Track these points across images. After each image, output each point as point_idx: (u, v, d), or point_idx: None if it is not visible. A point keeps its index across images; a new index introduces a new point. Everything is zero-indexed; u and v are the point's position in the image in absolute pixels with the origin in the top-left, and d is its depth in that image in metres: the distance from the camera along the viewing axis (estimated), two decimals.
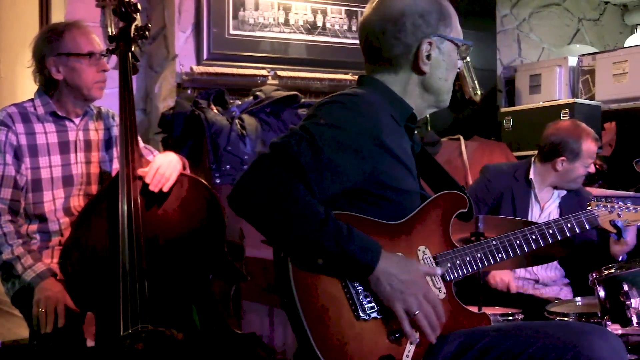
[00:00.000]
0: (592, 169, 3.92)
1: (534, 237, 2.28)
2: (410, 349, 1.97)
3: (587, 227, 2.51)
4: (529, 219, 3.76)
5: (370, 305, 1.95)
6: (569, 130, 3.85)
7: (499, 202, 3.83)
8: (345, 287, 1.95)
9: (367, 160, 2.01)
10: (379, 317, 1.95)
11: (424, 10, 2.15)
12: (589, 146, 3.80)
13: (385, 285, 1.93)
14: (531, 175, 3.87)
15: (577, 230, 2.43)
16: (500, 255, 2.21)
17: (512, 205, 3.80)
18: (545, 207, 3.87)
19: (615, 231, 2.71)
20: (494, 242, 2.22)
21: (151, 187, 2.87)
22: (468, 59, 2.24)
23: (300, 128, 1.99)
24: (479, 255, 2.18)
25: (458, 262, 2.13)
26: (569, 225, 2.40)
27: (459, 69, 2.25)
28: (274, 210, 1.88)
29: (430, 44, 2.15)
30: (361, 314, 1.93)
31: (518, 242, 2.25)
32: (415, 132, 2.28)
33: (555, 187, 3.89)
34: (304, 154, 1.92)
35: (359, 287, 1.95)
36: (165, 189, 2.90)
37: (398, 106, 2.17)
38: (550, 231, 2.33)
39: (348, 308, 1.93)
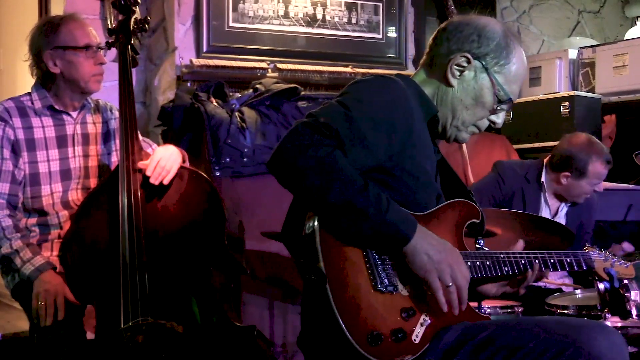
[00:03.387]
0: (600, 188, 3.87)
1: (536, 261, 2.31)
2: (419, 331, 1.99)
3: (584, 266, 2.56)
4: None
5: (388, 279, 1.98)
6: (582, 147, 3.81)
7: (510, 201, 3.81)
8: (366, 256, 1.97)
9: (396, 141, 2.04)
10: (394, 292, 1.98)
11: (487, 35, 2.18)
12: (596, 168, 3.75)
13: (422, 256, 1.95)
14: (543, 178, 3.85)
15: (575, 267, 2.48)
16: (506, 269, 2.23)
17: (522, 207, 3.78)
18: (557, 214, 3.86)
19: (607, 279, 2.74)
20: (502, 255, 2.24)
21: (152, 180, 2.87)
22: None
23: (336, 101, 2.02)
24: (487, 263, 2.19)
25: (469, 263, 2.13)
26: (568, 260, 2.44)
27: (491, 121, 2.24)
28: (315, 174, 1.89)
29: (467, 60, 2.17)
30: (379, 285, 1.95)
31: (523, 262, 2.27)
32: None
33: (560, 199, 3.88)
34: (339, 123, 1.94)
35: (379, 260, 1.98)
36: (165, 182, 2.90)
37: (425, 104, 2.19)
38: (552, 261, 2.36)
39: (367, 277, 1.95)
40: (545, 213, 3.84)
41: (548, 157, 3.90)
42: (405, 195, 2.08)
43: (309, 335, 2.10)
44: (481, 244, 2.31)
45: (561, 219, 3.87)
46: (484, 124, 2.24)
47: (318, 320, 1.96)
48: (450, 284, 1.97)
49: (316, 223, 1.94)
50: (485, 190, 3.81)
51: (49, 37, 2.98)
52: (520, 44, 2.23)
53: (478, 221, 2.24)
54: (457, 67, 2.18)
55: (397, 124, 2.04)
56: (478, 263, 2.16)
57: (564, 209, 3.89)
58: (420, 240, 1.96)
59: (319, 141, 1.91)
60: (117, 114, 3.19)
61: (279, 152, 1.94)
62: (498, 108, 2.20)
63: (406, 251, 1.96)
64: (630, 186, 4.79)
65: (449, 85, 2.19)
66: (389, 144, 2.03)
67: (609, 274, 2.71)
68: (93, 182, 3.08)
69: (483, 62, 2.17)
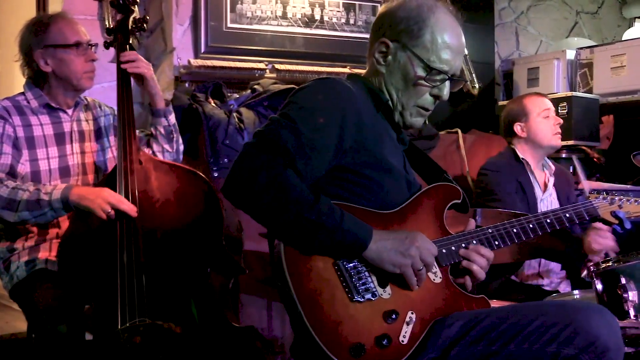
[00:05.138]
0: (558, 119, 3.82)
1: (531, 226, 2.31)
2: (407, 330, 2.00)
3: (586, 217, 2.51)
4: (536, 199, 3.76)
5: (364, 287, 1.99)
6: (510, 102, 3.97)
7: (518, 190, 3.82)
8: (338, 270, 1.99)
9: (347, 138, 2.07)
10: (373, 299, 1.99)
11: (399, 14, 2.22)
12: (531, 100, 3.82)
13: (390, 253, 1.99)
14: (521, 155, 3.86)
15: (576, 221, 2.44)
16: (496, 243, 2.24)
17: (522, 191, 3.78)
18: (547, 188, 3.86)
19: (617, 222, 2.69)
20: (490, 230, 2.24)
21: (122, 60, 2.97)
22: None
23: (279, 115, 2.05)
24: (474, 242, 2.21)
25: (453, 248, 2.17)
26: (567, 215, 2.41)
27: (435, 96, 2.24)
28: (269, 195, 1.92)
29: (385, 45, 2.22)
30: (355, 296, 1.97)
31: (515, 230, 2.28)
32: (403, 130, 2.34)
33: (542, 162, 3.88)
34: (288, 138, 1.97)
35: (352, 270, 2.00)
36: (129, 70, 2.97)
37: (374, 96, 2.24)
38: (548, 220, 2.36)
39: (342, 290, 1.97)
40: (537, 190, 3.84)
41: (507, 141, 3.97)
42: (372, 188, 2.11)
43: (299, 345, 2.11)
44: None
45: (551, 191, 3.87)
46: (427, 100, 2.25)
47: (303, 336, 1.97)
48: (422, 267, 2.02)
49: (282, 249, 1.97)
50: (504, 189, 3.77)
51: (39, 36, 2.99)
52: (447, 13, 2.23)
53: (459, 201, 2.27)
54: (379, 55, 2.24)
55: (344, 121, 2.06)
56: (464, 245, 2.19)
57: (550, 180, 3.89)
58: (379, 242, 1.99)
59: (269, 161, 1.94)
60: (106, 110, 3.22)
61: (232, 177, 1.97)
62: (429, 79, 2.20)
63: (369, 256, 1.99)
64: (629, 187, 4.78)
65: (380, 73, 2.25)
66: (340, 143, 2.06)
67: (617, 216, 2.68)
68: (91, 179, 3.08)
69: (399, 41, 2.20)
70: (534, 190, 3.81)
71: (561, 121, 3.85)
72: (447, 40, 2.20)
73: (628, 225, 2.74)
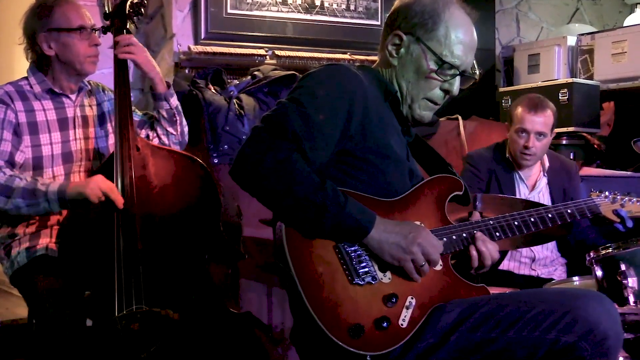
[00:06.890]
0: (530, 143, 3.71)
1: (532, 220, 2.33)
2: (406, 314, 2.01)
3: (588, 214, 2.53)
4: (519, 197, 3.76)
5: (365, 270, 2.01)
6: (522, 97, 3.91)
7: (488, 187, 3.81)
8: (339, 252, 2.01)
9: (353, 124, 2.09)
10: (373, 282, 2.01)
11: (414, 8, 2.24)
12: (519, 111, 3.76)
13: (391, 246, 2.01)
14: (507, 154, 3.85)
15: (577, 217, 2.46)
16: (497, 234, 2.25)
17: (498, 189, 3.78)
18: (536, 186, 3.85)
19: (618, 220, 2.72)
20: (491, 221, 2.26)
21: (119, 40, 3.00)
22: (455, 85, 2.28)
23: (288, 99, 2.06)
24: (475, 232, 2.21)
25: (454, 237, 2.18)
26: (569, 211, 2.43)
27: (445, 91, 2.26)
28: (275, 178, 1.95)
29: (399, 37, 2.24)
30: (355, 279, 1.99)
31: (516, 223, 2.29)
32: (410, 124, 2.35)
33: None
34: (296, 122, 1.99)
35: (353, 254, 2.01)
36: (120, 55, 2.98)
37: (382, 86, 2.26)
38: (550, 215, 2.37)
39: (342, 272, 1.99)
40: (522, 189, 3.83)
41: None
42: (374, 174, 2.13)
43: (299, 330, 2.13)
44: None
45: (542, 189, 3.86)
46: (437, 95, 2.27)
47: (303, 318, 2.00)
48: (424, 263, 2.03)
49: (284, 230, 1.98)
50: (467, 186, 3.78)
51: (43, 19, 2.98)
52: (461, 10, 2.25)
53: (461, 193, 2.28)
54: (392, 47, 2.26)
55: (351, 107, 2.08)
56: (465, 235, 2.19)
57: (542, 179, 3.88)
58: (382, 233, 2.01)
59: (278, 145, 1.96)
60: (110, 94, 3.21)
61: (240, 159, 1.99)
62: (440, 73, 2.22)
63: (371, 243, 2.01)
64: (629, 173, 4.79)
65: (392, 65, 2.26)
66: (346, 128, 2.08)
67: (619, 215, 2.71)
68: (93, 164, 3.08)
69: (413, 34, 2.22)
70: (515, 189, 3.81)
71: (533, 149, 3.72)
72: (461, 36, 2.22)
73: (629, 224, 2.76)
